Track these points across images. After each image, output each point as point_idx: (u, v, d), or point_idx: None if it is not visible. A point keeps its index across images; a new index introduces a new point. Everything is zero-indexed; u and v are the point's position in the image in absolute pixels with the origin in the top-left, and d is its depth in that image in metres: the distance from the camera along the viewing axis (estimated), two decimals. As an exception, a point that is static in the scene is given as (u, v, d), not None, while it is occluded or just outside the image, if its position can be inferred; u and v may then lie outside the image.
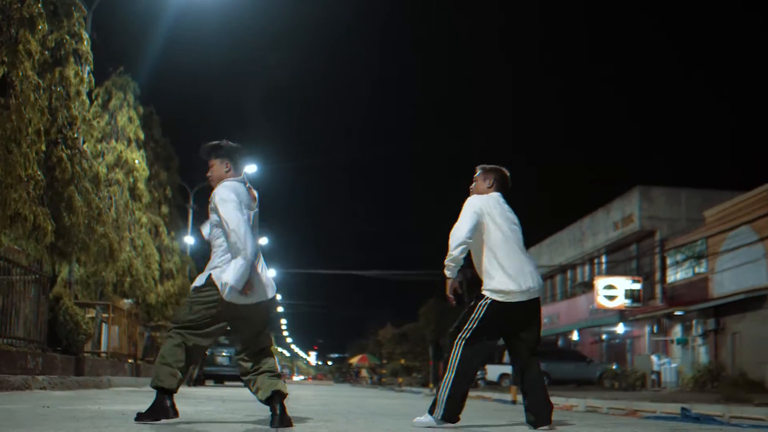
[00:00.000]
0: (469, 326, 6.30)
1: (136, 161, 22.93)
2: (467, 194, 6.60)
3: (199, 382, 26.54)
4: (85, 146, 17.38)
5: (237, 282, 5.49)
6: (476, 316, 6.29)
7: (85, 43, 16.19)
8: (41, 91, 13.16)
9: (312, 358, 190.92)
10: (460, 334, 6.32)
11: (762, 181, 28.13)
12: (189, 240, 34.50)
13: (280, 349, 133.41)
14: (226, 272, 5.57)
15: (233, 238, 5.51)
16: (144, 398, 9.47)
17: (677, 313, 33.30)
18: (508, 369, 39.61)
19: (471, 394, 9.70)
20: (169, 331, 5.96)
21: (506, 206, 6.57)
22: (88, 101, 16.52)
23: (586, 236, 44.16)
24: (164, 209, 27.71)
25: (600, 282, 38.53)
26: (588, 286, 42.95)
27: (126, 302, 22.28)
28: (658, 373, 33.24)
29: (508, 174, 6.75)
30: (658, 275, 36.60)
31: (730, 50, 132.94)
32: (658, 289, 36.51)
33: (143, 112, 25.15)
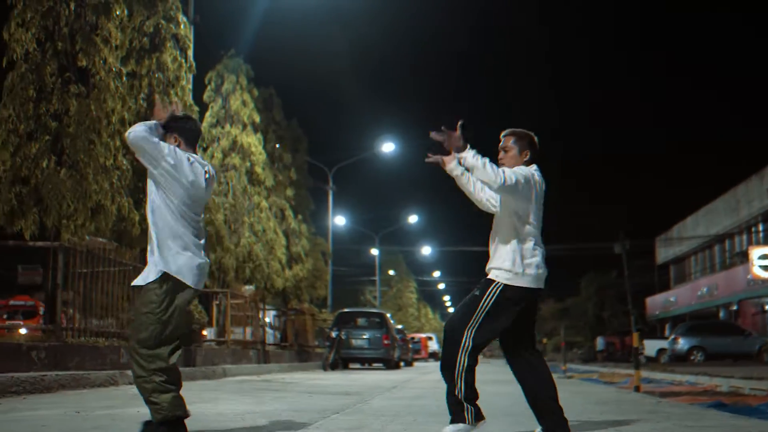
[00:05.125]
0: None
1: (252, 145, 22.63)
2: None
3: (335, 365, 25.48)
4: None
5: None
6: None
7: (182, 27, 15.95)
8: (123, 78, 12.88)
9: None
10: None
11: None
12: (336, 221, 34.32)
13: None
14: None
15: None
16: (228, 394, 8.67)
17: None
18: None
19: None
20: None
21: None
22: (190, 86, 16.28)
23: (741, 204, 41.69)
24: (289, 192, 27.54)
25: (755, 252, 36.26)
26: (745, 256, 40.62)
27: (247, 288, 22.06)
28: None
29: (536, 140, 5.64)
30: (823, 242, 34.12)
31: None
32: (823, 257, 33.97)
33: (263, 95, 24.92)
